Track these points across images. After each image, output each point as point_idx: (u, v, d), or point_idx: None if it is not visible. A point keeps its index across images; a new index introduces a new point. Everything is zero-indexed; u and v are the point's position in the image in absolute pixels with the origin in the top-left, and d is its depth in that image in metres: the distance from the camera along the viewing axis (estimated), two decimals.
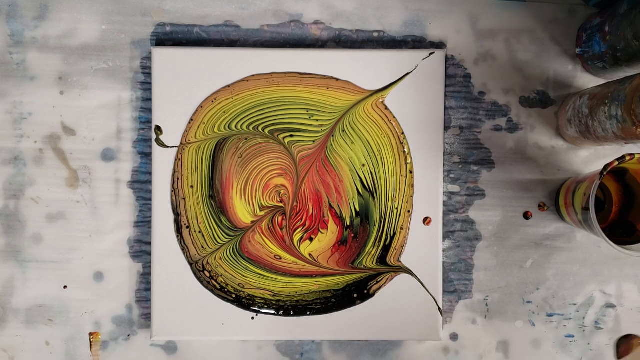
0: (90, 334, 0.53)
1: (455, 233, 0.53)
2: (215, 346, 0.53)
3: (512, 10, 0.53)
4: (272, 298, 0.52)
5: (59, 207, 0.53)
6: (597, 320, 0.53)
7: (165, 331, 0.52)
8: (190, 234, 0.52)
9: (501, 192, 0.53)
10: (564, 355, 0.53)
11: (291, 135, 0.51)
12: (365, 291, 0.52)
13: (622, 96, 0.42)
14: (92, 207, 0.53)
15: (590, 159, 0.53)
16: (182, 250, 0.52)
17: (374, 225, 0.52)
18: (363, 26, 0.53)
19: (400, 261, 0.52)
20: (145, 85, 0.53)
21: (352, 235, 0.52)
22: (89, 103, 0.53)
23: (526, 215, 0.53)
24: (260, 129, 0.51)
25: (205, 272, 0.52)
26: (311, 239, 0.52)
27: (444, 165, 0.53)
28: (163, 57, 0.51)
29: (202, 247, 0.52)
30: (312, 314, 0.52)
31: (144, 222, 0.53)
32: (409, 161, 0.52)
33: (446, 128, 0.53)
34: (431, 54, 0.51)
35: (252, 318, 0.52)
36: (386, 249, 0.52)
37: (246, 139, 0.52)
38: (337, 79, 0.51)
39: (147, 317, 0.53)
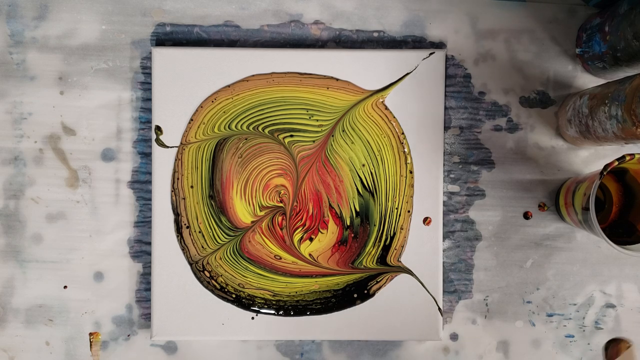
0: (90, 334, 0.53)
1: (455, 233, 0.53)
2: (215, 346, 0.53)
3: (512, 10, 0.53)
4: (272, 298, 0.52)
5: (59, 207, 0.53)
6: (597, 320, 0.53)
7: (165, 331, 0.52)
8: (190, 234, 0.52)
9: (501, 192, 0.53)
10: (564, 355, 0.53)
11: (291, 135, 0.51)
12: (365, 291, 0.52)
13: (622, 96, 0.42)
14: (92, 207, 0.53)
15: (590, 159, 0.53)
16: (182, 250, 0.52)
17: (374, 225, 0.52)
18: (363, 26, 0.53)
19: (400, 261, 0.52)
20: (145, 85, 0.53)
21: (352, 235, 0.52)
22: (89, 103, 0.53)
23: (526, 215, 0.53)
24: (260, 129, 0.51)
25: (205, 272, 0.52)
26: (311, 239, 0.52)
27: (444, 165, 0.53)
28: (163, 57, 0.51)
29: (202, 247, 0.52)
30: (312, 314, 0.52)
31: (144, 222, 0.53)
32: (409, 161, 0.52)
33: (446, 128, 0.53)
34: (431, 54, 0.51)
35: (252, 318, 0.52)
36: (386, 249, 0.52)
37: (246, 139, 0.52)
38: (337, 79, 0.51)
39: (147, 317, 0.53)
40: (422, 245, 0.52)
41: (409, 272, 0.52)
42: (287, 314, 0.52)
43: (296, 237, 0.52)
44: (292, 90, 0.51)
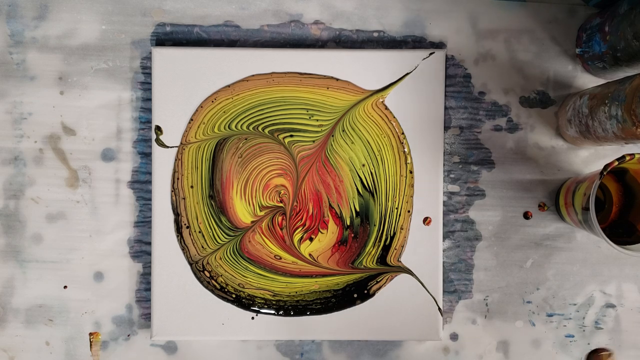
0: (90, 334, 0.53)
1: (455, 233, 0.53)
2: (215, 346, 0.53)
3: (512, 10, 0.53)
4: (272, 298, 0.52)
5: (59, 207, 0.53)
6: (597, 320, 0.53)
7: (165, 331, 0.52)
8: (190, 234, 0.52)
9: (501, 192, 0.53)
10: (564, 355, 0.53)
11: (291, 135, 0.51)
12: (365, 291, 0.52)
13: (622, 96, 0.42)
14: (92, 207, 0.53)
15: (590, 159, 0.53)
16: (182, 250, 0.52)
17: (374, 225, 0.52)
18: (363, 26, 0.53)
19: (400, 261, 0.52)
20: (145, 85, 0.53)
21: (352, 235, 0.52)
22: (89, 103, 0.53)
23: (526, 215, 0.53)
24: (260, 129, 0.51)
25: (205, 272, 0.52)
26: (311, 239, 0.52)
27: (444, 165, 0.53)
28: (163, 57, 0.51)
29: (202, 247, 0.52)
30: (312, 314, 0.52)
31: (144, 222, 0.53)
32: (409, 161, 0.52)
33: (446, 128, 0.53)
34: (431, 54, 0.51)
35: (252, 318, 0.52)
36: (386, 249, 0.52)
37: (246, 139, 0.52)
38: (337, 79, 0.51)
39: (147, 317, 0.53)
40: (422, 245, 0.52)
41: (409, 272, 0.52)
42: (287, 314, 0.52)
43: (296, 237, 0.52)
44: (292, 90, 0.51)
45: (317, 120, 0.51)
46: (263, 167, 0.52)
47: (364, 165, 0.52)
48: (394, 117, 0.52)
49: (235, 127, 0.51)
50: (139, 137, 0.53)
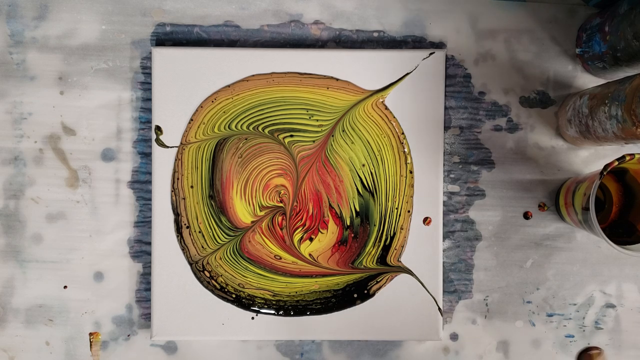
0: (90, 334, 0.53)
1: (455, 233, 0.53)
2: (215, 346, 0.53)
3: (512, 10, 0.53)
4: (272, 298, 0.52)
5: (59, 207, 0.53)
6: (597, 320, 0.53)
7: (165, 331, 0.52)
8: (190, 234, 0.52)
9: (501, 192, 0.53)
10: (564, 355, 0.53)
11: (291, 135, 0.51)
12: (365, 291, 0.52)
13: (622, 96, 0.42)
14: (92, 207, 0.53)
15: (590, 159, 0.53)
16: (182, 250, 0.52)
17: (374, 225, 0.52)
18: (363, 26, 0.53)
19: (400, 261, 0.52)
20: (145, 85, 0.53)
21: (352, 235, 0.52)
22: (89, 103, 0.53)
23: (526, 215, 0.53)
24: (260, 129, 0.51)
25: (205, 272, 0.52)
26: (311, 239, 0.52)
27: (444, 165, 0.53)
28: (163, 57, 0.51)
29: (202, 247, 0.52)
30: (312, 314, 0.52)
31: (144, 222, 0.53)
32: (409, 161, 0.52)
33: (446, 128, 0.53)
34: (431, 54, 0.51)
35: (252, 318, 0.52)
36: (386, 249, 0.52)
37: (246, 139, 0.52)
38: (337, 79, 0.51)
39: (147, 317, 0.53)
40: (422, 245, 0.52)
41: (409, 272, 0.52)
42: (287, 314, 0.52)
43: (296, 237, 0.52)
44: (292, 90, 0.51)
45: (317, 120, 0.51)
46: (263, 167, 0.52)
47: (364, 165, 0.52)
48: (394, 117, 0.52)
49: (235, 127, 0.51)
50: (139, 137, 0.53)
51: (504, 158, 0.53)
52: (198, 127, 0.51)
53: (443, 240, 0.53)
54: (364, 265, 0.52)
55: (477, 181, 0.53)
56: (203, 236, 0.52)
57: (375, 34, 0.53)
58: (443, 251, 0.53)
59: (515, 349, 0.53)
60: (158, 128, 0.51)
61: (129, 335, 0.53)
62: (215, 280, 0.52)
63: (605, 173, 0.43)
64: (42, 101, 0.52)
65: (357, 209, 0.52)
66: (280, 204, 0.52)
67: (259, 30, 0.53)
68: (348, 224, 0.52)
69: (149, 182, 0.53)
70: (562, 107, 0.52)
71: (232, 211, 0.52)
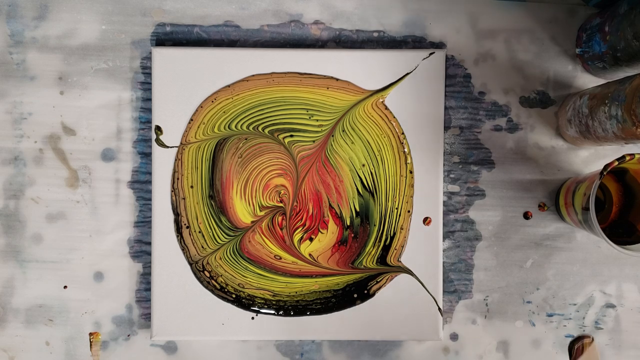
0: (90, 334, 0.53)
1: (455, 233, 0.53)
2: (215, 346, 0.53)
3: (512, 10, 0.53)
4: (272, 298, 0.52)
5: (59, 207, 0.53)
6: (597, 320, 0.53)
7: (165, 331, 0.52)
8: (190, 234, 0.52)
9: (501, 192, 0.53)
10: (564, 355, 0.53)
11: (291, 135, 0.51)
12: (365, 291, 0.52)
13: (622, 96, 0.42)
14: (92, 207, 0.53)
15: (590, 159, 0.53)
16: (182, 250, 0.52)
17: (374, 225, 0.52)
18: (363, 26, 0.53)
19: (400, 261, 0.52)
20: (145, 85, 0.53)
21: (352, 235, 0.52)
22: (89, 103, 0.53)
23: (526, 215, 0.53)
24: (260, 129, 0.51)
25: (205, 272, 0.52)
26: (311, 239, 0.52)
27: (444, 165, 0.53)
28: (163, 57, 0.51)
29: (202, 247, 0.52)
30: (312, 314, 0.52)
31: (144, 222, 0.53)
32: (409, 161, 0.52)
33: (446, 128, 0.53)
34: (431, 54, 0.51)
35: (252, 318, 0.52)
36: (386, 249, 0.52)
37: (246, 139, 0.52)
38: (337, 79, 0.51)
39: (147, 317, 0.53)
40: (422, 245, 0.52)
41: (409, 272, 0.52)
42: (287, 314, 0.52)
43: (296, 237, 0.52)
44: (292, 90, 0.51)
45: (317, 120, 0.51)
46: (263, 167, 0.52)
47: (364, 165, 0.52)
48: (394, 117, 0.52)
49: (235, 127, 0.51)
50: (139, 137, 0.53)
51: (504, 158, 0.53)
52: (198, 127, 0.51)
53: (443, 240, 0.53)
54: (364, 265, 0.52)
55: (477, 181, 0.53)
56: (203, 236, 0.52)
57: (375, 34, 0.53)
58: (443, 251, 0.53)
59: (515, 349, 0.53)
60: (158, 128, 0.51)
61: (129, 335, 0.53)
62: (215, 280, 0.52)
63: (605, 173, 0.43)
64: (42, 101, 0.52)
65: (357, 209, 0.52)
66: (280, 204, 0.52)
67: (259, 30, 0.53)
68: (348, 224, 0.52)
69: (149, 182, 0.53)
70: (562, 107, 0.52)
71: (232, 211, 0.52)
